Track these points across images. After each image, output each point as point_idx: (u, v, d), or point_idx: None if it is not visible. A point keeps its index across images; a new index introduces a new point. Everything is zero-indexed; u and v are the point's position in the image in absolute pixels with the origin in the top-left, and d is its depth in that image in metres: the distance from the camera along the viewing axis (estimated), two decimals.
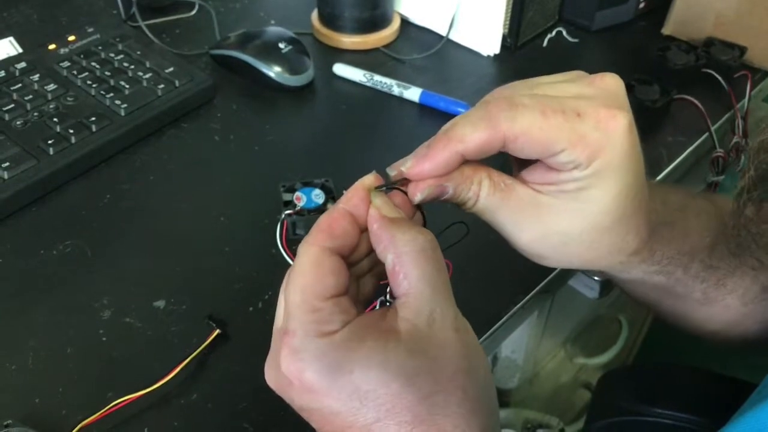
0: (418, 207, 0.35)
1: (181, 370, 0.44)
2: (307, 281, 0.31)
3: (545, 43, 0.78)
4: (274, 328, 0.33)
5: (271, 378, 0.32)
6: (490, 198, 0.35)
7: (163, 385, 0.43)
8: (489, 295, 0.51)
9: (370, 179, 0.34)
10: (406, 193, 0.34)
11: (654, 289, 0.44)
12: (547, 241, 0.36)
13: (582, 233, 0.36)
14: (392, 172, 0.34)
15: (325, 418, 0.30)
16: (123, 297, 0.49)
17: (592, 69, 0.75)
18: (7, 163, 0.56)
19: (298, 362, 0.30)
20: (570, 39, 0.78)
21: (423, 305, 0.31)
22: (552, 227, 0.36)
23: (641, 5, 0.79)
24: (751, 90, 0.70)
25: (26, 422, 0.41)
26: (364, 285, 0.36)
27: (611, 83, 0.36)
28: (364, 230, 0.33)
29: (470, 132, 0.32)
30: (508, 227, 0.36)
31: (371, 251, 0.34)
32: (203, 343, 0.45)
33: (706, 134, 0.67)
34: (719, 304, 0.45)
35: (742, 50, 0.73)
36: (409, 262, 0.31)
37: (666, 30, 0.79)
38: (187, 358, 0.44)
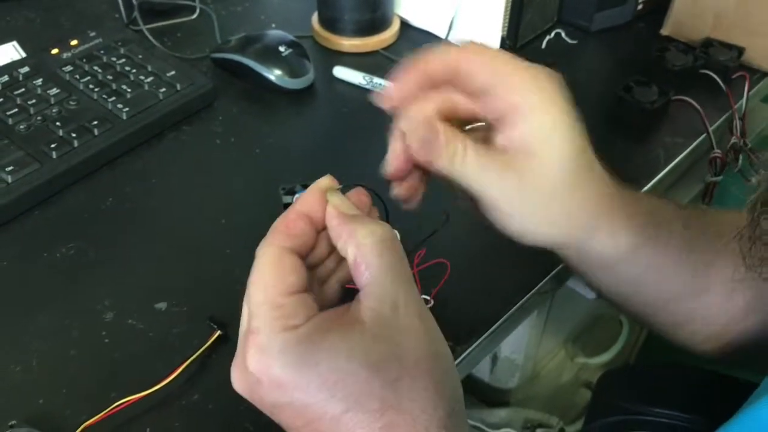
0: (384, 204, 0.37)
1: (183, 370, 0.44)
2: (268, 280, 0.32)
3: (544, 45, 0.78)
4: (239, 333, 0.33)
5: (239, 380, 0.32)
6: (473, 156, 0.36)
7: (165, 385, 0.44)
8: (488, 295, 0.51)
9: (325, 181, 0.35)
10: (367, 189, 0.36)
11: (644, 276, 0.44)
12: (529, 199, 0.38)
13: (565, 171, 0.38)
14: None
15: (296, 411, 0.31)
16: (125, 299, 0.50)
17: (591, 70, 0.76)
18: (11, 167, 0.57)
19: (266, 359, 0.30)
20: (569, 40, 0.79)
21: (386, 293, 0.31)
22: (533, 177, 0.37)
23: (640, 6, 0.80)
24: (748, 91, 0.70)
25: (30, 422, 0.42)
26: (329, 289, 0.37)
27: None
28: (321, 231, 0.35)
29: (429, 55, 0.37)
30: (492, 191, 0.37)
31: (331, 254, 0.35)
32: (204, 345, 0.46)
33: (704, 135, 0.67)
34: (707, 297, 0.45)
35: (740, 51, 0.74)
36: (370, 253, 0.32)
37: (665, 31, 0.79)
38: (188, 359, 0.45)
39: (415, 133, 0.37)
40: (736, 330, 0.48)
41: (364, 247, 0.32)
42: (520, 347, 0.69)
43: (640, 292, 0.46)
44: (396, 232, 0.34)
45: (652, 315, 0.48)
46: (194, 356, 0.45)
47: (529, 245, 0.41)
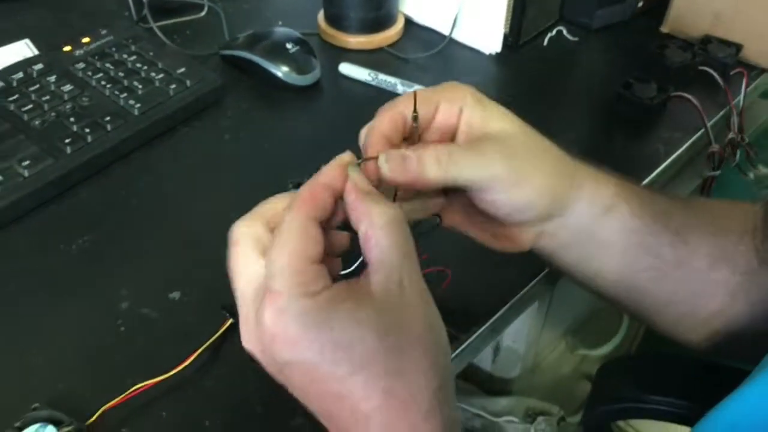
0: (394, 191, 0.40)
1: (197, 357, 0.46)
2: (293, 246, 0.34)
3: (546, 42, 0.80)
4: (243, 296, 0.36)
5: (251, 338, 0.34)
6: (457, 152, 0.39)
7: (179, 371, 0.45)
8: (490, 287, 0.53)
9: (346, 157, 0.38)
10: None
11: (627, 242, 0.46)
12: (516, 162, 0.41)
13: (523, 133, 0.42)
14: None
15: (306, 370, 0.33)
16: (140, 289, 0.52)
17: (592, 67, 0.78)
18: (27, 162, 0.58)
19: (285, 318, 0.32)
20: (570, 38, 0.80)
21: (393, 271, 0.34)
22: (507, 140, 0.41)
23: (640, 4, 0.81)
24: (746, 87, 0.72)
25: (52, 406, 0.43)
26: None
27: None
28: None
29: (376, 118, 0.41)
30: (483, 173, 0.40)
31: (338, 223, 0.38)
32: (217, 332, 0.48)
33: (702, 130, 0.68)
34: (689, 266, 0.47)
35: (739, 48, 0.75)
36: (381, 231, 0.34)
37: (664, 28, 0.81)
38: (201, 346, 0.47)
39: (393, 161, 0.39)
40: (721, 314, 0.49)
41: (376, 226, 0.34)
42: (521, 337, 0.71)
43: (626, 269, 0.47)
44: (403, 214, 0.36)
45: (640, 298, 0.49)
46: (207, 343, 0.47)
47: (520, 222, 0.44)
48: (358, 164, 0.38)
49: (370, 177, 0.38)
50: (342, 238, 0.39)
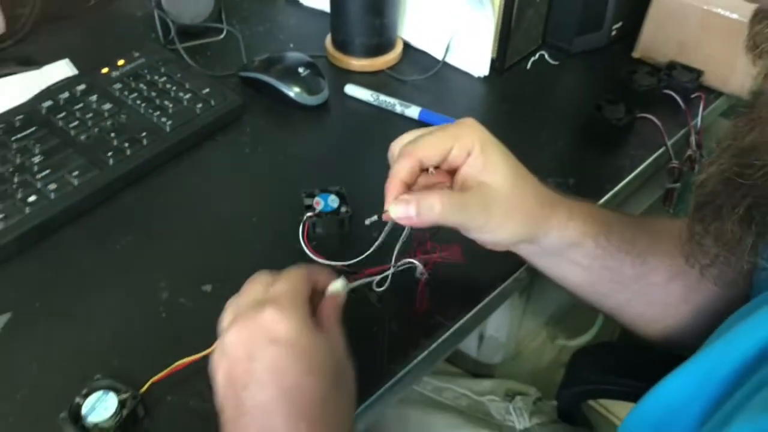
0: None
1: None
2: (298, 281, 0.47)
3: (529, 66, 0.89)
4: (241, 308, 0.47)
5: (237, 331, 0.45)
6: (447, 204, 0.49)
7: (212, 351, 0.54)
8: (474, 279, 0.62)
9: (337, 286, 0.51)
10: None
11: (592, 264, 0.56)
12: (493, 215, 0.51)
13: (508, 189, 0.51)
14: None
15: (277, 357, 0.43)
16: (177, 282, 0.61)
17: (570, 89, 0.88)
18: (77, 172, 0.68)
19: (285, 317, 0.43)
20: (551, 62, 0.90)
21: (342, 348, 0.47)
22: (492, 195, 0.50)
23: (614, 32, 0.91)
24: (703, 109, 0.81)
25: (110, 377, 0.53)
26: None
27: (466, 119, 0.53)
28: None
29: (399, 162, 0.51)
30: (467, 221, 0.51)
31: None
32: None
33: (663, 148, 0.78)
34: (647, 281, 0.56)
35: (700, 73, 0.84)
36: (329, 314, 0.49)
37: (635, 54, 0.90)
38: None
39: (398, 207, 0.49)
40: (672, 316, 0.59)
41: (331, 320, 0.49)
42: (503, 327, 0.81)
43: (591, 280, 0.57)
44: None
45: (603, 299, 0.60)
46: None
47: (503, 249, 0.55)
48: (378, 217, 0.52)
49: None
50: None
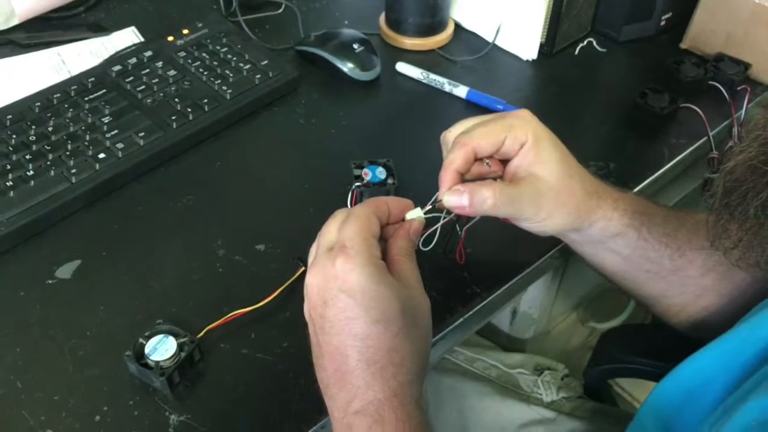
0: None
1: (277, 295, 0.60)
2: (363, 223, 0.48)
3: (577, 51, 0.91)
4: (318, 251, 0.49)
5: (317, 273, 0.47)
6: (500, 197, 0.51)
7: (264, 305, 0.59)
8: (510, 256, 0.65)
9: (410, 205, 0.52)
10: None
11: (632, 254, 0.58)
12: (543, 208, 0.53)
13: (558, 182, 0.53)
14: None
15: (346, 305, 0.45)
16: (233, 240, 0.66)
17: (616, 76, 0.90)
18: (143, 133, 0.72)
19: (353, 265, 0.45)
20: (599, 49, 0.91)
21: (417, 285, 0.49)
22: (542, 188, 0.53)
23: (663, 22, 0.92)
24: (748, 102, 0.82)
25: (170, 323, 0.57)
26: None
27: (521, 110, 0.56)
28: (392, 222, 0.52)
29: (454, 151, 0.52)
30: (519, 212, 0.53)
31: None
32: (293, 276, 0.61)
33: (705, 138, 0.79)
34: (683, 273, 0.59)
35: (747, 66, 0.85)
36: (409, 262, 0.50)
37: (684, 45, 0.91)
38: (281, 286, 0.60)
39: (453, 197, 0.51)
40: (704, 305, 0.61)
41: (408, 259, 0.50)
42: (536, 304, 0.84)
43: (629, 269, 0.60)
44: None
45: (638, 288, 0.62)
46: (286, 284, 0.60)
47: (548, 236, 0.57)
48: (432, 205, 0.52)
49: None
50: None
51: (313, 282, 0.47)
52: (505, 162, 0.55)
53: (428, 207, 0.53)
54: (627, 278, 0.62)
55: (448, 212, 0.54)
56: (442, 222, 0.54)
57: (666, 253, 0.59)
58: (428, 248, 0.53)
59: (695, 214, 0.63)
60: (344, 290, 0.45)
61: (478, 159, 0.53)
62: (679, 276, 0.60)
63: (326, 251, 0.48)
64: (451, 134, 0.55)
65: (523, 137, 0.52)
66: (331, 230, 0.49)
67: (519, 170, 0.53)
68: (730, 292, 0.60)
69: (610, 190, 0.58)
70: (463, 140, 0.52)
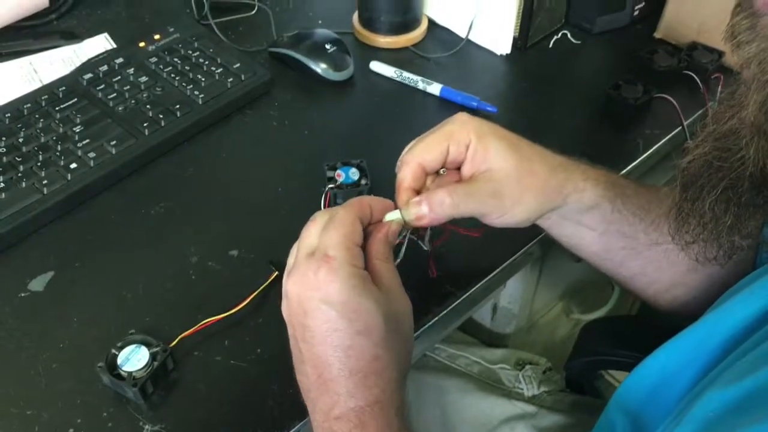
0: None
1: (251, 300, 0.60)
2: (347, 230, 0.47)
3: (551, 44, 0.91)
4: (298, 255, 0.47)
5: (297, 282, 0.46)
6: (457, 197, 0.51)
7: (238, 311, 0.59)
8: (485, 252, 0.65)
9: (391, 207, 0.51)
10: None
11: (608, 229, 0.58)
12: (506, 196, 0.53)
13: (515, 167, 0.53)
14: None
15: (329, 317, 0.45)
16: (206, 247, 0.65)
17: (590, 68, 0.90)
18: (114, 141, 0.72)
19: (333, 276, 0.44)
20: (573, 41, 0.91)
21: (398, 288, 0.48)
22: (499, 176, 0.53)
23: (636, 12, 0.92)
24: (722, 90, 0.82)
25: (142, 333, 0.57)
26: None
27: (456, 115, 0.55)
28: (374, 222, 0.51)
29: (401, 171, 0.53)
30: (482, 209, 0.53)
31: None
32: (266, 282, 0.61)
33: (680, 128, 0.79)
34: (661, 248, 0.59)
35: (721, 54, 0.85)
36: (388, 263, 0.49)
37: (657, 34, 0.91)
38: (254, 292, 0.60)
39: (411, 210, 0.51)
40: (682, 285, 0.62)
41: (388, 260, 0.49)
42: (516, 298, 0.84)
43: (606, 247, 0.60)
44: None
45: (617, 268, 0.62)
46: (259, 290, 0.60)
47: (529, 225, 0.57)
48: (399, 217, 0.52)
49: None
50: None
51: (293, 290, 0.46)
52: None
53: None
54: (606, 258, 0.62)
55: (413, 232, 0.54)
56: (408, 234, 0.54)
57: (641, 226, 0.59)
58: (397, 262, 0.53)
59: (668, 189, 0.63)
60: (326, 302, 0.45)
61: (433, 174, 0.54)
62: (654, 251, 0.60)
63: (307, 257, 0.47)
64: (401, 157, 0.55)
65: (466, 139, 0.52)
66: (312, 234, 0.48)
67: (473, 170, 0.53)
68: (708, 273, 0.60)
69: (576, 163, 0.57)
70: (406, 159, 0.53)
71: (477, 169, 0.53)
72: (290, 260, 0.49)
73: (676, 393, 0.48)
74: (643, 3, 0.91)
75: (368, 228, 0.50)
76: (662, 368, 0.50)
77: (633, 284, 0.64)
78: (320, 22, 0.94)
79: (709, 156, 0.43)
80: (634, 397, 0.51)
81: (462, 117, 0.54)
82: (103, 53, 0.85)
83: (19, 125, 0.73)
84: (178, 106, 0.76)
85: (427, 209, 0.50)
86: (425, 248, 0.57)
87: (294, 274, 0.47)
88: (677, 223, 0.48)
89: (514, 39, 0.88)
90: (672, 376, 0.49)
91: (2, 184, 0.67)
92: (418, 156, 0.52)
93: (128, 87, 0.78)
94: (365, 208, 0.50)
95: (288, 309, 0.48)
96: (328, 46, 0.83)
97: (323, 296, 0.45)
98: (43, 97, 0.76)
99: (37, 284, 0.62)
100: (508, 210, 0.53)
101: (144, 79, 0.79)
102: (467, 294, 0.63)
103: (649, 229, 0.59)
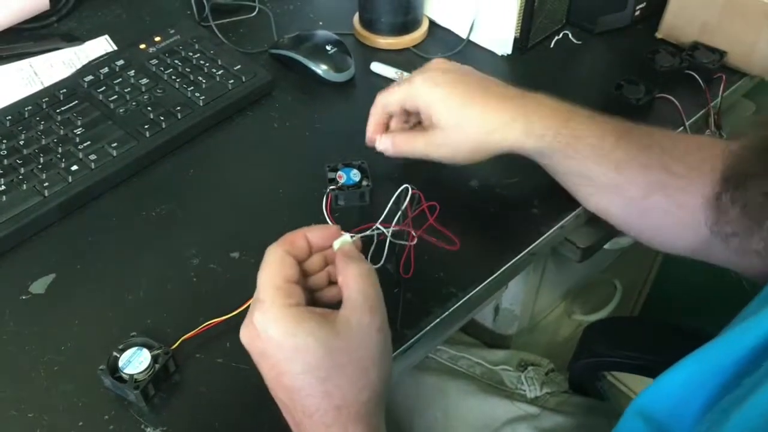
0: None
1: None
2: (273, 269, 0.47)
3: (552, 45, 0.91)
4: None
5: (245, 333, 0.46)
6: (399, 139, 0.65)
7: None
8: (487, 254, 0.65)
9: (336, 233, 0.51)
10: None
11: (568, 172, 0.61)
12: (454, 140, 0.62)
13: (457, 120, 0.61)
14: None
15: (272, 362, 0.45)
16: (207, 249, 0.65)
17: (592, 68, 0.90)
18: (115, 143, 0.72)
19: (265, 320, 0.45)
20: (575, 41, 0.91)
21: (356, 310, 0.46)
22: (444, 130, 0.61)
23: (637, 12, 0.91)
24: (724, 90, 0.82)
25: (144, 335, 0.57)
26: (320, 296, 0.51)
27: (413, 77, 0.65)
28: (315, 252, 0.51)
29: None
30: (425, 149, 0.64)
31: (323, 269, 0.51)
32: None
33: (682, 128, 0.79)
34: (622, 194, 0.59)
35: (722, 54, 0.85)
36: (351, 280, 0.47)
37: (659, 34, 0.91)
38: None
39: (383, 143, 0.67)
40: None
41: (348, 276, 0.47)
42: (518, 299, 0.83)
43: (563, 178, 0.62)
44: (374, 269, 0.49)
45: (578, 198, 0.64)
46: None
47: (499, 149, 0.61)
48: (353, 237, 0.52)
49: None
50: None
51: (243, 341, 0.47)
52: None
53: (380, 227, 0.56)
54: (568, 187, 0.64)
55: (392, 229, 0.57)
56: (377, 238, 0.55)
57: (600, 169, 0.59)
58: (378, 266, 0.52)
59: (653, 131, 0.62)
60: (266, 349, 0.45)
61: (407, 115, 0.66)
62: (617, 195, 0.59)
63: (253, 302, 0.47)
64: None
65: (416, 104, 0.62)
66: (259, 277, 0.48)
67: (425, 122, 0.63)
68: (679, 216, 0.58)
69: (534, 96, 0.64)
70: (376, 99, 0.67)
71: (427, 122, 0.63)
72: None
73: (702, 402, 0.47)
74: (645, 3, 0.91)
75: (310, 260, 0.51)
76: (688, 378, 0.49)
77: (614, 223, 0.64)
78: (321, 23, 0.94)
79: (764, 145, 0.42)
80: (659, 406, 0.50)
81: (423, 77, 0.63)
82: (104, 55, 0.85)
83: (19, 128, 0.73)
84: (178, 108, 0.76)
85: (391, 147, 0.66)
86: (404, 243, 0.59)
87: (243, 325, 0.47)
88: (717, 213, 0.47)
89: (515, 39, 0.88)
90: (698, 387, 0.47)
91: (3, 187, 0.67)
92: (381, 99, 0.66)
93: (129, 89, 0.78)
94: (297, 241, 0.50)
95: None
96: (328, 48, 0.83)
97: (263, 344, 0.45)
98: (43, 100, 0.76)
99: (38, 287, 0.62)
100: (458, 154, 0.62)
101: (145, 81, 0.79)
102: (469, 295, 0.62)
103: (609, 171, 0.59)
